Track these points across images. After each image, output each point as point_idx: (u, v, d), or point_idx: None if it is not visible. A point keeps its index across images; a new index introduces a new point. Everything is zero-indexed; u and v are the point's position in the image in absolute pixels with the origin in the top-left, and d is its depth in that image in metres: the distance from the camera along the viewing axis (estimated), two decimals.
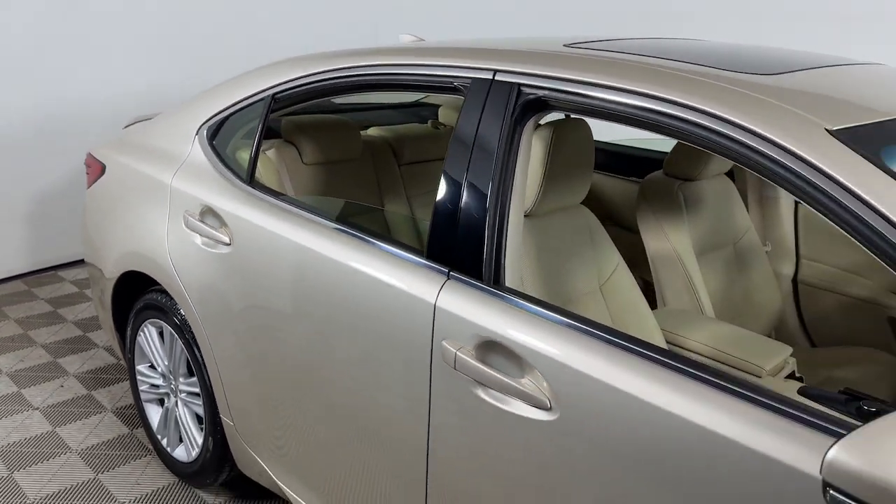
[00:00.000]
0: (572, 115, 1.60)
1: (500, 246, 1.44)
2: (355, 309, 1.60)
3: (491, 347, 1.35)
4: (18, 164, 4.04)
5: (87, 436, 2.70)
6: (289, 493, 1.98)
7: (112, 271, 2.43)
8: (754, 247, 2.45)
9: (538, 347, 1.28)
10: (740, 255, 2.41)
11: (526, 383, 1.29)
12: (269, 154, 2.33)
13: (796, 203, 2.50)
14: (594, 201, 2.87)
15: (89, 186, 2.64)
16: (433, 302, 1.44)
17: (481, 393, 1.36)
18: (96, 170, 2.60)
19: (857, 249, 2.27)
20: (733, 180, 2.49)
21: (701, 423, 1.08)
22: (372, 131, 2.76)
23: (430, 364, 1.45)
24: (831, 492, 0.79)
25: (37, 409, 2.87)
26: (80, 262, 4.23)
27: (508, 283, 1.43)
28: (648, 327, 1.93)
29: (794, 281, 2.51)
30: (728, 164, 2.36)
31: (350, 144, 2.46)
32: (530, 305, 1.35)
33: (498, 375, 1.32)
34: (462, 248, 1.46)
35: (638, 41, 1.70)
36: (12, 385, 3.03)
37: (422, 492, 1.53)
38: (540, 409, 1.27)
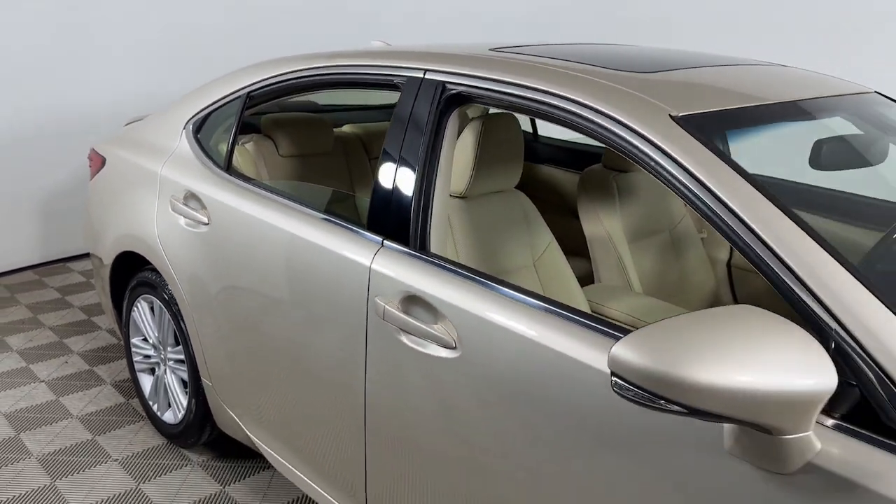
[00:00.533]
0: (497, 110, 1.86)
1: (426, 218, 1.70)
2: (307, 274, 1.86)
3: (412, 301, 1.61)
4: (30, 163, 4.34)
5: (86, 404, 2.97)
6: (259, 443, 2.24)
7: (110, 252, 2.71)
8: (690, 233, 2.68)
9: (447, 298, 1.54)
10: (676, 240, 2.65)
11: (437, 328, 1.54)
12: (248, 147, 2.60)
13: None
14: (551, 192, 3.12)
15: (92, 178, 2.93)
16: (369, 265, 1.70)
17: (404, 339, 1.62)
18: (98, 163, 2.89)
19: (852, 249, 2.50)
20: None
21: (573, 356, 1.33)
22: (346, 128, 3.03)
23: (366, 317, 1.70)
24: (613, 378, 1.04)
25: (42, 381, 3.15)
26: (88, 255, 4.53)
27: (433, 249, 1.69)
28: (577, 298, 2.18)
29: (729, 265, 2.74)
30: None
31: (322, 139, 2.73)
32: (446, 266, 1.60)
33: (416, 323, 1.58)
34: (394, 221, 1.72)
35: (556, 46, 1.96)
36: (21, 361, 3.32)
37: (361, 426, 1.79)
38: (447, 348, 1.53)
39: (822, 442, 1.05)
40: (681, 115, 1.39)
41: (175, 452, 2.67)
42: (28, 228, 4.44)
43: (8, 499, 2.39)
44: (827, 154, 1.79)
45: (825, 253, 1.13)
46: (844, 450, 1.04)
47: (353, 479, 1.87)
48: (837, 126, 1.79)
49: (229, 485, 2.50)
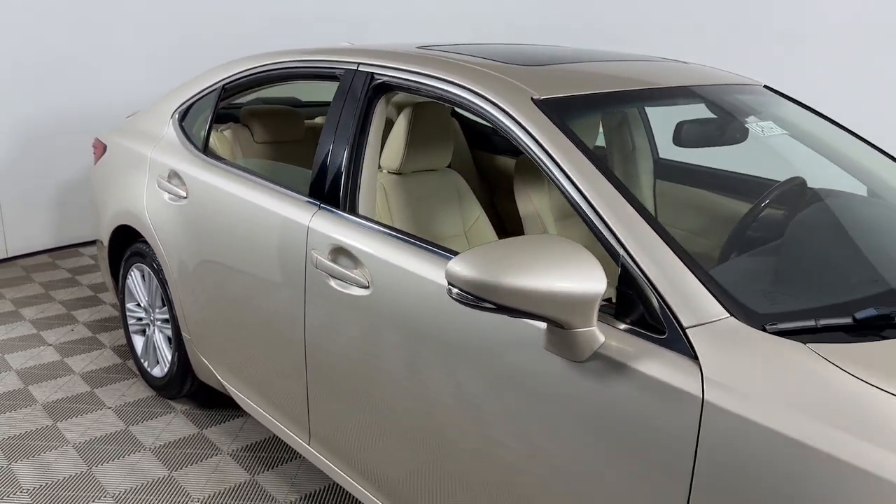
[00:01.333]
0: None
1: (356, 186, 2.05)
2: (262, 235, 2.22)
3: (339, 252, 1.96)
4: (48, 157, 4.76)
5: (87, 364, 3.35)
6: (229, 388, 2.60)
7: (108, 227, 3.09)
8: None
9: (364, 248, 1.88)
10: None
11: (356, 273, 1.89)
12: (226, 133, 2.98)
13: (655, 179, 3.06)
14: (507, 179, 3.46)
15: (95, 164, 3.32)
16: (307, 224, 2.06)
17: (332, 283, 1.97)
18: (100, 150, 3.28)
19: (701, 214, 2.82)
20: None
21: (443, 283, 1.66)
22: (318, 119, 3.40)
23: (305, 267, 2.06)
24: (449, 287, 1.37)
25: (50, 345, 3.54)
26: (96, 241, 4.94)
27: (361, 212, 2.04)
28: None
29: None
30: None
31: (294, 128, 3.10)
32: (367, 224, 1.95)
33: (341, 269, 1.93)
34: (329, 188, 2.07)
35: (475, 45, 2.31)
36: (33, 329, 3.71)
37: (303, 363, 2.14)
38: (363, 288, 1.88)
39: (606, 336, 1.38)
40: (542, 97, 1.73)
41: (161, 402, 3.04)
42: (45, 216, 4.86)
43: (15, 435, 2.77)
44: (687, 134, 2.12)
45: (623, 199, 1.47)
46: (621, 342, 1.37)
47: (300, 412, 2.22)
48: (702, 111, 2.12)
49: (206, 428, 2.86)
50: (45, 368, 3.30)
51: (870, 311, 1.32)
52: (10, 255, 4.76)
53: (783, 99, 2.47)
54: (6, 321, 3.72)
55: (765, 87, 2.51)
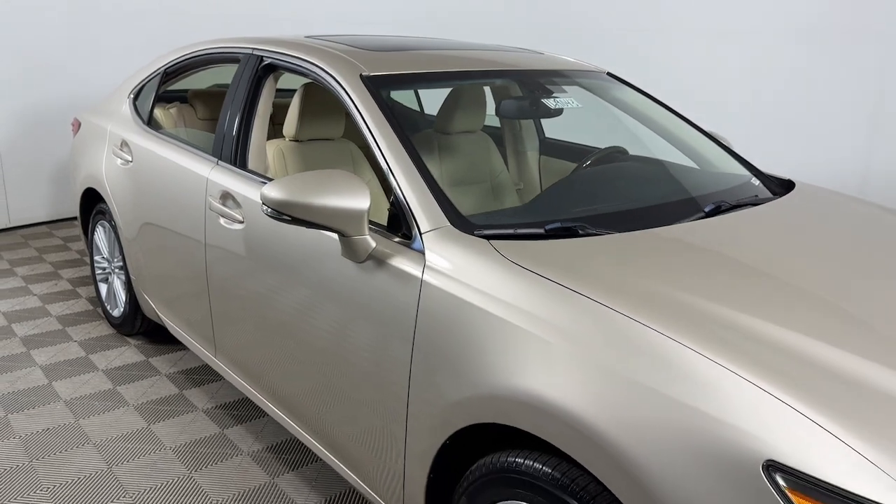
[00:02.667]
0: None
1: (246, 146, 2.58)
2: (177, 185, 2.76)
3: (226, 196, 2.49)
4: (47, 139, 5.38)
5: (63, 309, 3.93)
6: (164, 319, 3.15)
7: (78, 190, 3.67)
8: (507, 184, 3.51)
9: (242, 192, 2.41)
10: (496, 189, 3.47)
11: (236, 212, 2.42)
12: (172, 111, 3.53)
13: (540, 155, 3.55)
14: None
15: (74, 138, 3.90)
16: (207, 176, 2.60)
17: (221, 221, 2.50)
18: (76, 126, 3.86)
19: (557, 176, 3.31)
20: (501, 140, 3.56)
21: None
22: None
23: (205, 210, 2.59)
24: (263, 206, 1.90)
25: (35, 295, 4.13)
26: None
27: (250, 167, 2.57)
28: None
29: None
30: (480, 123, 3.43)
31: None
32: (248, 175, 2.48)
33: (226, 209, 2.46)
34: (225, 148, 2.61)
35: (351, 37, 2.82)
36: (22, 282, 4.31)
37: (206, 288, 2.67)
38: (239, 223, 2.41)
39: (379, 244, 1.89)
40: (369, 74, 2.24)
41: (119, 339, 3.61)
42: (44, 191, 5.48)
43: None
44: (505, 108, 2.63)
45: (402, 148, 1.98)
46: (387, 247, 1.88)
47: (208, 330, 2.76)
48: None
49: (152, 357, 3.41)
50: (28, 312, 3.89)
51: (555, 225, 1.82)
52: (11, 225, 5.39)
53: (623, 84, 2.97)
54: (13, 290, 4.32)
55: (608, 73, 3.00)
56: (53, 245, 5.05)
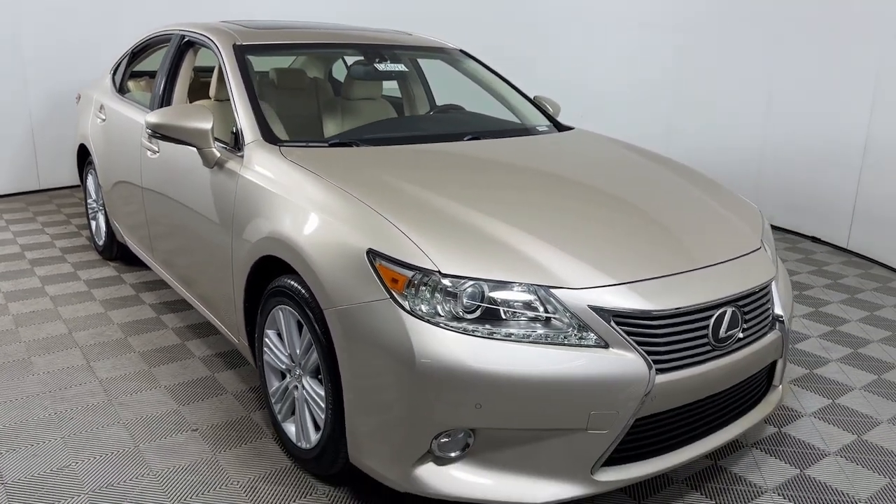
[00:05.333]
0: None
1: (170, 99, 3.52)
2: (127, 131, 3.73)
3: (153, 134, 3.44)
4: (73, 116, 6.47)
5: (66, 243, 4.97)
6: (126, 239, 4.13)
7: (75, 146, 4.70)
8: None
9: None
10: None
11: (157, 145, 3.37)
12: (141, 83, 4.52)
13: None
14: None
15: (77, 108, 4.95)
16: (143, 122, 3.55)
17: (148, 153, 3.45)
18: (78, 98, 4.90)
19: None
20: None
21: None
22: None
23: (140, 147, 3.55)
24: (146, 130, 2.81)
25: (49, 235, 5.18)
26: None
27: None
28: None
29: None
30: (377, 93, 4.30)
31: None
32: None
33: (151, 144, 3.41)
34: (158, 101, 3.56)
35: (254, 21, 3.74)
36: (41, 227, 5.38)
37: (142, 204, 3.63)
38: (155, 153, 3.35)
39: (222, 155, 2.80)
40: (241, 44, 3.16)
41: (102, 262, 4.61)
42: (68, 160, 6.57)
43: (8, 272, 4.39)
44: (354, 72, 3.50)
45: (246, 95, 2.89)
46: (227, 157, 2.79)
47: (147, 240, 3.71)
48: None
49: (123, 273, 4.40)
50: (39, 244, 4.94)
51: (335, 140, 2.71)
52: (41, 188, 6.52)
53: (471, 59, 3.82)
54: (32, 231, 5.40)
55: (461, 51, 3.86)
56: (71, 202, 6.14)
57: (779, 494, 2.41)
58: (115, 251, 4.50)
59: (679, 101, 6.64)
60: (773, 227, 5.93)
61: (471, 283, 1.94)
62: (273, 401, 2.56)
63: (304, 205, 2.32)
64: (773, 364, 2.46)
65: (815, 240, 5.60)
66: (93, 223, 4.78)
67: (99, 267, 4.52)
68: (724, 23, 6.11)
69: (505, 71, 3.89)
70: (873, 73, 4.94)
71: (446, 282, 1.94)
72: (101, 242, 4.63)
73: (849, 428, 2.85)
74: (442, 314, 1.93)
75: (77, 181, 6.61)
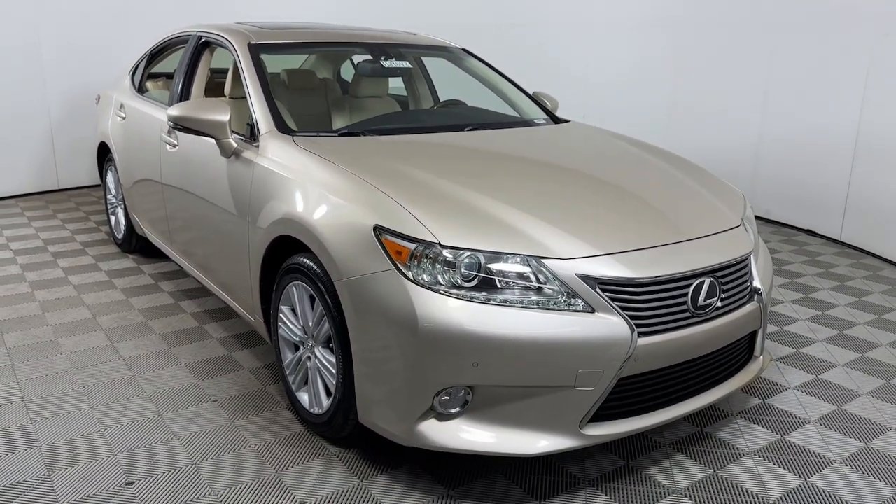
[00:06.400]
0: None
1: (188, 96, 3.73)
2: (149, 127, 3.94)
3: (172, 130, 3.64)
4: (90, 118, 6.71)
5: (85, 237, 5.18)
6: (146, 231, 4.33)
7: (95, 144, 4.92)
8: None
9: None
10: None
11: (175, 138, 3.57)
12: (159, 83, 4.73)
13: None
14: None
15: (97, 106, 5.17)
16: (163, 119, 3.76)
17: (167, 147, 3.66)
18: (98, 99, 5.13)
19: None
20: None
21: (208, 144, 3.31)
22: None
23: (160, 140, 3.76)
24: (169, 123, 3.02)
25: (69, 231, 5.40)
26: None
27: None
28: None
29: None
30: (383, 91, 4.49)
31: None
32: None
33: (170, 139, 3.61)
34: (176, 98, 3.77)
35: (268, 22, 3.94)
36: (61, 223, 5.60)
37: (162, 196, 3.83)
38: (174, 147, 3.55)
39: (238, 145, 3.00)
40: (255, 43, 3.36)
41: (121, 255, 4.82)
42: (86, 160, 6.81)
43: (31, 263, 4.60)
44: (362, 69, 3.70)
45: (261, 91, 3.08)
46: (244, 147, 2.99)
47: (166, 230, 3.91)
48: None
49: (142, 265, 4.61)
50: (60, 239, 5.16)
51: (345, 130, 2.91)
52: (60, 187, 6.75)
53: (472, 57, 4.02)
54: (52, 227, 5.63)
55: (463, 49, 4.05)
56: (89, 200, 6.37)
57: (759, 456, 2.58)
58: (134, 244, 4.70)
59: (677, 100, 6.82)
60: (770, 221, 6.10)
61: (468, 253, 2.12)
62: (287, 372, 2.75)
63: (315, 187, 2.51)
64: (754, 336, 2.63)
65: (810, 233, 5.76)
66: (112, 218, 4.99)
67: (118, 259, 4.73)
68: (720, 24, 6.29)
69: (509, 70, 4.09)
70: (864, 70, 5.11)
71: (446, 253, 2.12)
72: (120, 236, 4.83)
73: (830, 400, 3.01)
74: (442, 283, 2.11)
75: (95, 180, 6.87)
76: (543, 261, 2.14)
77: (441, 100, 4.31)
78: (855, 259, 5.09)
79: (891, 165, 4.95)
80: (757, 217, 6.09)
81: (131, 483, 2.35)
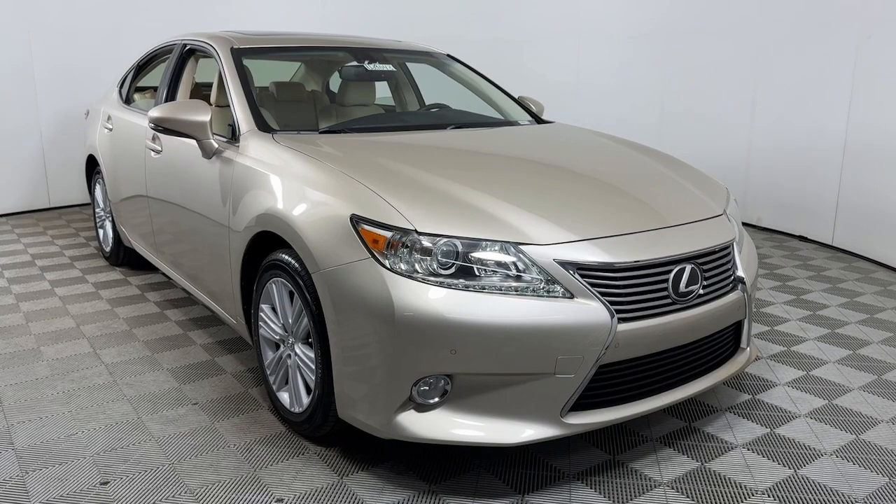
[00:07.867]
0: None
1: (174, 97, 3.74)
2: (132, 135, 3.93)
3: (155, 136, 3.63)
4: (81, 137, 6.72)
5: (74, 252, 5.16)
6: (132, 241, 4.31)
7: (83, 158, 4.92)
8: None
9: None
10: None
11: (158, 144, 3.56)
12: (147, 94, 4.75)
13: None
14: None
15: (85, 121, 5.18)
16: (146, 124, 3.75)
17: (151, 153, 3.65)
18: (86, 114, 5.14)
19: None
20: None
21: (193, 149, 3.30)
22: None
23: (144, 147, 3.75)
24: (150, 125, 3.01)
25: (60, 247, 5.38)
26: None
27: None
28: None
29: None
30: (370, 99, 4.50)
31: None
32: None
33: (154, 144, 3.61)
34: (160, 103, 3.77)
35: (251, 30, 3.96)
36: (50, 239, 5.58)
37: (146, 201, 3.81)
38: (158, 153, 3.55)
39: (219, 145, 2.99)
40: (237, 48, 3.37)
41: (109, 267, 4.80)
42: (77, 179, 6.80)
43: (18, 276, 4.57)
44: (346, 72, 3.70)
45: (243, 93, 3.08)
46: (225, 147, 2.98)
47: (151, 237, 3.89)
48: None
49: (129, 276, 4.58)
50: (49, 254, 5.13)
51: (326, 128, 2.90)
52: (51, 206, 6.75)
53: (457, 62, 4.03)
54: (42, 242, 5.61)
55: (447, 55, 4.07)
56: (80, 218, 6.36)
57: (748, 449, 2.53)
58: (122, 257, 4.67)
59: (666, 110, 6.84)
60: (763, 229, 6.08)
61: (445, 240, 2.10)
62: (268, 372, 2.71)
63: (293, 182, 2.49)
64: (739, 327, 2.60)
65: (803, 238, 5.73)
66: (100, 231, 4.97)
67: (106, 271, 4.70)
68: (708, 34, 6.33)
69: (498, 82, 4.10)
70: (849, 73, 5.13)
71: (423, 240, 2.09)
72: (108, 249, 4.81)
73: (820, 395, 2.97)
74: (420, 271, 2.09)
75: (86, 199, 6.86)
76: (521, 247, 2.11)
77: (423, 105, 4.32)
78: (847, 262, 5.06)
79: (880, 167, 4.95)
80: (748, 225, 6.07)
81: (106, 483, 2.30)
